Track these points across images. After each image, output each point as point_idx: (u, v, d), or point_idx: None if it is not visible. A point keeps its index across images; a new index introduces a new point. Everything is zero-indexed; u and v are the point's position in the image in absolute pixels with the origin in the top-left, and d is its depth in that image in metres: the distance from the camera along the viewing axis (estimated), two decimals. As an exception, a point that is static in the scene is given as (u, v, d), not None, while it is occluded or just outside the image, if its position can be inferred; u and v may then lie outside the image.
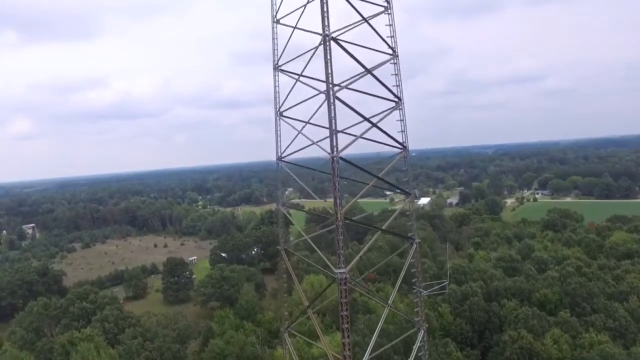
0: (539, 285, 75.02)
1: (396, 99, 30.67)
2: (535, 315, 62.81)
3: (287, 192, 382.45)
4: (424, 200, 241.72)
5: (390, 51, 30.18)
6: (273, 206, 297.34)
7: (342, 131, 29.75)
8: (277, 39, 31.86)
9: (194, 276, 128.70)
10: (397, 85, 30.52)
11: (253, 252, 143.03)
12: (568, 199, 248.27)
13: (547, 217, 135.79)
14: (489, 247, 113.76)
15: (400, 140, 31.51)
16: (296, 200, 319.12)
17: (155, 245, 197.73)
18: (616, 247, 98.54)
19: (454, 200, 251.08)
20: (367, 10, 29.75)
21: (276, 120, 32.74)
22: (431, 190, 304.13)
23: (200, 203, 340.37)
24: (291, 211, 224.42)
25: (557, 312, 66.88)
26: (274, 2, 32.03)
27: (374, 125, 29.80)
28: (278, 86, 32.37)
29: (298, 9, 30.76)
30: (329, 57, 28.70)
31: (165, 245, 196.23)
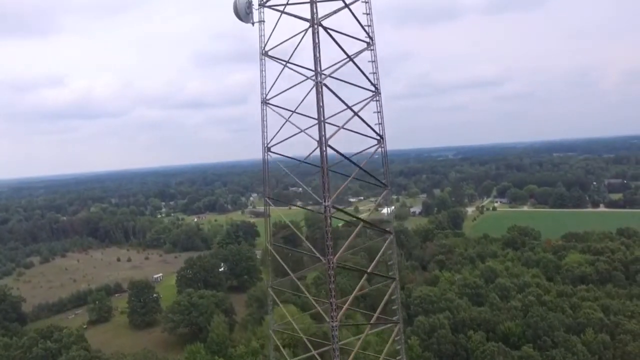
0: (503, 316, 78.55)
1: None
2: (501, 351, 65.88)
3: (251, 198, 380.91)
4: (387, 210, 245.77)
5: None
6: (238, 214, 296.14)
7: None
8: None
9: (160, 296, 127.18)
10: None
11: (220, 270, 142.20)
12: (525, 208, 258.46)
13: (507, 235, 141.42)
14: (454, 267, 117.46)
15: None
16: (262, 207, 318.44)
17: (119, 260, 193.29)
18: (572, 270, 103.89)
19: (417, 209, 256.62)
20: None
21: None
22: (395, 197, 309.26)
23: (163, 210, 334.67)
24: (258, 223, 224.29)
25: (521, 345, 70.39)
26: None
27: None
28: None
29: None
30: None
31: (129, 260, 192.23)
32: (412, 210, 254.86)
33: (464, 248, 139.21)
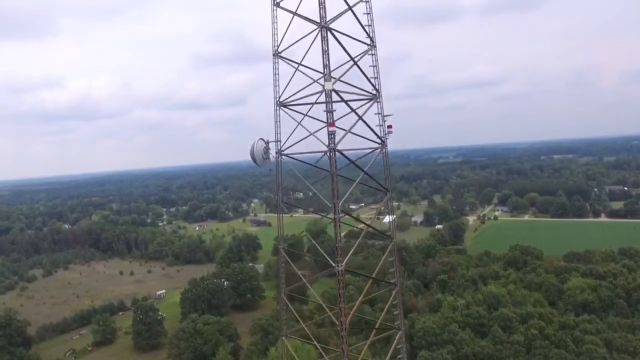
0: (506, 352, 79.12)
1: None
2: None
3: (252, 205, 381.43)
4: (390, 219, 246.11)
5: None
6: (239, 222, 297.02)
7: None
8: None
9: (164, 315, 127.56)
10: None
11: (224, 287, 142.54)
12: (526, 217, 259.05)
13: (509, 253, 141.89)
14: (456, 291, 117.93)
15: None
16: (263, 215, 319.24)
17: (121, 273, 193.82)
18: (574, 296, 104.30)
19: (418, 219, 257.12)
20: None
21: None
22: (396, 204, 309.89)
23: (165, 217, 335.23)
24: (259, 233, 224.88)
25: (523, 385, 70.92)
26: None
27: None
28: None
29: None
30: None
31: (132, 273, 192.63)
32: (413, 219, 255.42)
33: (466, 267, 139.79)
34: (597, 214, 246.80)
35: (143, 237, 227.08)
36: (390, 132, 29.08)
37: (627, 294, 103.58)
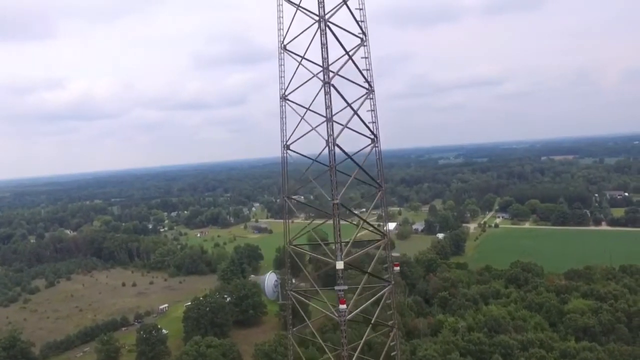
0: (506, 384, 79.79)
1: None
2: None
3: (253, 209, 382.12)
4: (391, 226, 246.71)
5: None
6: (240, 229, 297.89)
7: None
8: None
9: (166, 332, 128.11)
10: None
11: (226, 305, 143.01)
12: (527, 225, 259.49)
13: (510, 271, 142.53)
14: (457, 311, 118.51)
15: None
16: (264, 221, 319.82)
17: (124, 284, 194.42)
18: (575, 319, 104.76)
19: (419, 226, 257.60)
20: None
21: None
22: (397, 209, 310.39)
23: (166, 222, 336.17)
24: (260, 242, 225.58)
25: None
26: None
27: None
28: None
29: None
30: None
31: (134, 284, 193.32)
32: (414, 227, 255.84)
33: (467, 283, 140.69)
34: (598, 222, 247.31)
35: (145, 246, 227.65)
36: (397, 271, 29.95)
37: (627, 317, 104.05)
